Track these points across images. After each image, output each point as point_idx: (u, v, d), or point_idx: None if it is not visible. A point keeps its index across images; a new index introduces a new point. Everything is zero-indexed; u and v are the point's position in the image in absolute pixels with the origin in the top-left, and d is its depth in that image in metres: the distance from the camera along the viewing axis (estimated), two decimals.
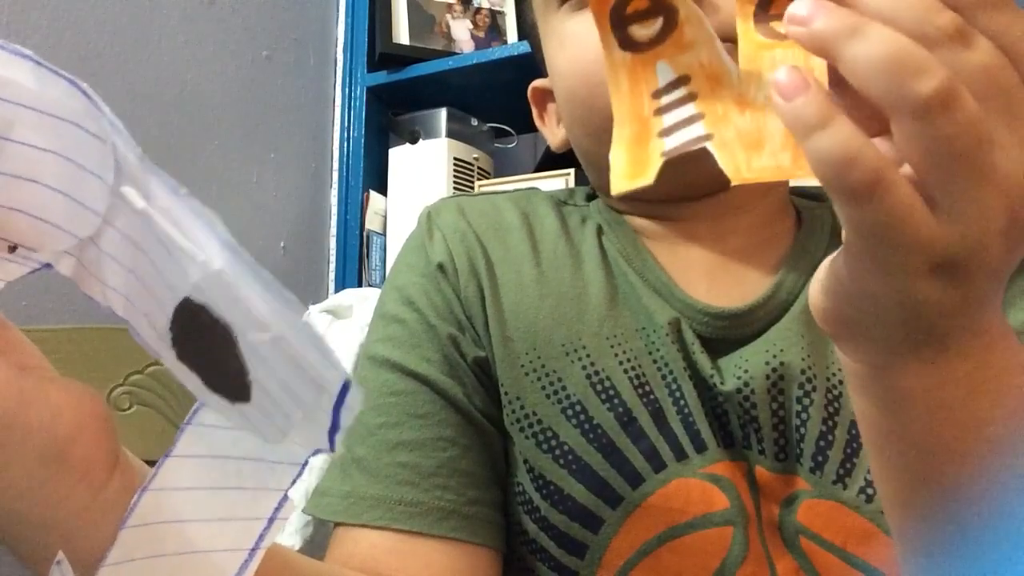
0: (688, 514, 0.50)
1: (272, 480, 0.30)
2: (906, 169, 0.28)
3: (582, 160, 0.62)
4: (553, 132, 0.65)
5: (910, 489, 0.34)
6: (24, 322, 0.95)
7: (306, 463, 0.29)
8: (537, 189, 0.66)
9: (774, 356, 0.52)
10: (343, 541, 0.52)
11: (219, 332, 0.26)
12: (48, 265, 0.29)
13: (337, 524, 0.53)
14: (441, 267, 0.58)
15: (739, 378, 0.52)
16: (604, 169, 0.60)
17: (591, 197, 0.65)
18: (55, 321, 0.94)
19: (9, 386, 0.26)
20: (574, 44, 0.55)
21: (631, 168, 0.30)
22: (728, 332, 0.54)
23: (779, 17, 0.28)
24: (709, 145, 0.29)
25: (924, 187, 0.27)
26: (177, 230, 0.26)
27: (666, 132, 0.30)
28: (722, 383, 0.52)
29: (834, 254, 0.31)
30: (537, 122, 0.68)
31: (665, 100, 0.30)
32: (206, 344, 0.26)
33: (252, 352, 0.25)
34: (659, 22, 0.29)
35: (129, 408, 0.87)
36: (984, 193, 0.26)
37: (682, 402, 0.53)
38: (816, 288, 0.32)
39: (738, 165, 0.29)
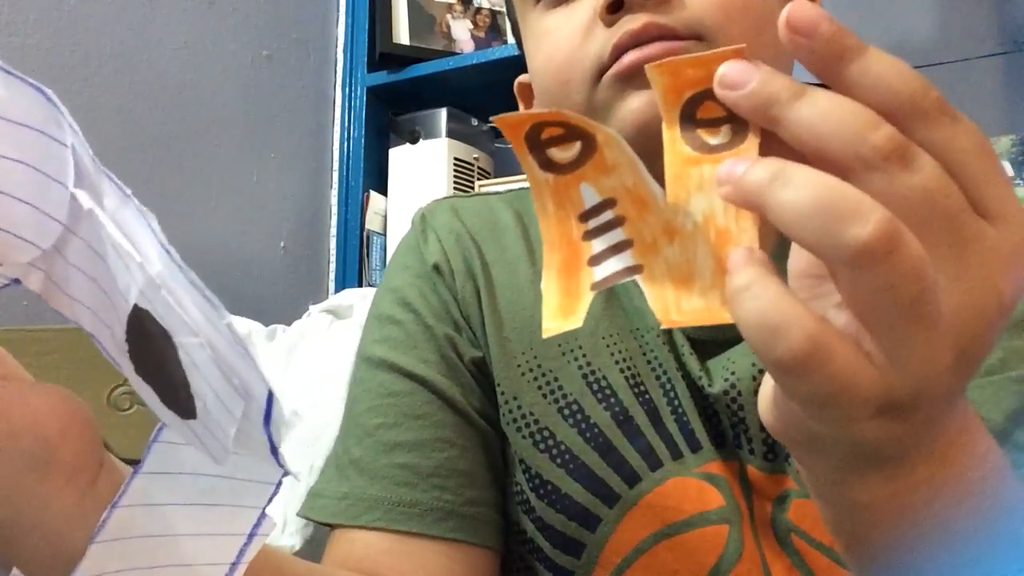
0: (684, 512, 0.50)
1: (247, 498, 0.29)
2: (845, 313, 0.25)
3: None
4: None
5: None
6: (24, 322, 0.95)
7: (280, 482, 0.29)
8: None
9: None
10: (340, 542, 0.52)
11: (163, 340, 0.25)
12: (16, 281, 0.29)
13: (334, 526, 0.52)
14: (437, 268, 0.58)
15: (726, 380, 0.52)
16: None
17: None
18: (55, 321, 0.94)
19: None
20: (548, 43, 0.54)
21: (562, 305, 0.29)
22: (715, 334, 0.54)
23: (707, 123, 0.27)
24: (639, 279, 0.28)
25: (866, 335, 0.25)
26: (122, 233, 0.25)
27: (595, 260, 0.28)
28: (710, 385, 0.52)
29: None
30: None
31: (592, 224, 0.28)
32: (154, 354, 0.26)
33: (189, 361, 0.25)
34: (577, 145, 0.28)
35: (129, 408, 0.87)
36: (930, 339, 0.24)
37: (676, 402, 0.53)
38: (763, 406, 0.29)
39: (667, 306, 0.27)
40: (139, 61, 1.19)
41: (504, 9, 1.58)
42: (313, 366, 1.11)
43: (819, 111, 0.24)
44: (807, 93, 0.25)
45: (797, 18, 0.25)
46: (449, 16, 1.55)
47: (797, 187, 0.23)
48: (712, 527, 0.50)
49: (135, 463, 0.30)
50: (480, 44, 1.54)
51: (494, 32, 1.56)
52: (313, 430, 1.05)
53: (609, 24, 0.48)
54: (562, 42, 0.52)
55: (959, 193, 0.24)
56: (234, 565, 0.30)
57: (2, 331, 0.84)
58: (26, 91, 0.26)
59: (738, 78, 0.25)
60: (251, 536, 0.30)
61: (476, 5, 1.57)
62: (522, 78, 0.66)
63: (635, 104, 0.48)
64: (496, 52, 1.45)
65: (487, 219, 0.60)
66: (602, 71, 0.49)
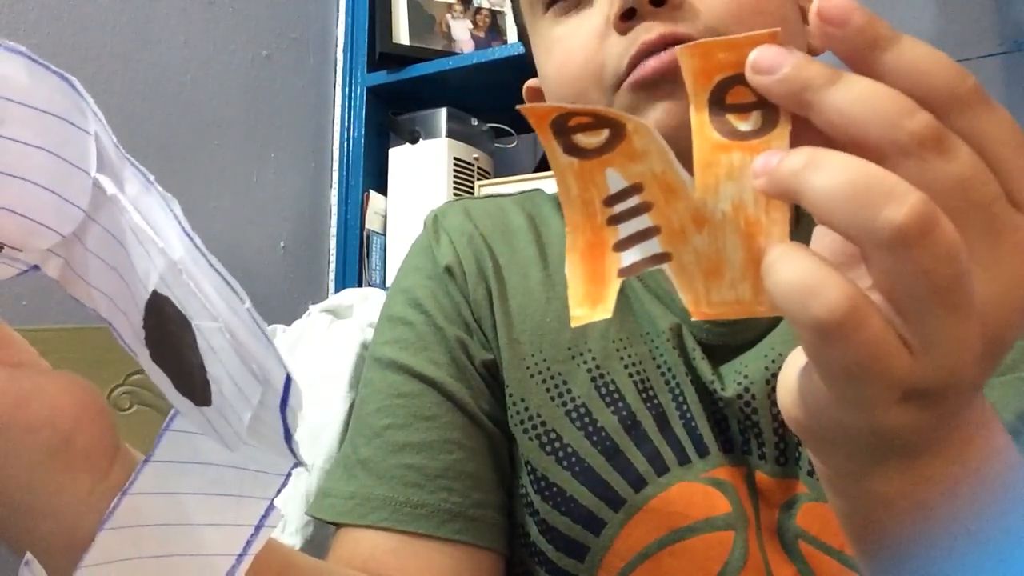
0: (690, 518, 0.50)
1: (256, 488, 0.30)
2: (877, 296, 0.25)
3: None
4: None
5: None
6: (24, 322, 0.95)
7: (289, 474, 0.29)
8: (540, 190, 0.66)
9: (773, 361, 0.52)
10: (345, 542, 0.52)
11: (181, 326, 0.26)
12: (35, 267, 0.29)
13: (341, 525, 0.52)
14: (449, 270, 0.58)
15: (739, 384, 0.52)
16: None
17: None
18: (55, 321, 0.94)
19: (5, 387, 0.27)
20: (560, 51, 0.54)
21: (589, 292, 0.28)
22: (728, 338, 0.54)
23: (737, 109, 0.26)
24: (667, 268, 0.27)
25: (898, 319, 0.25)
26: (143, 219, 0.26)
27: (621, 245, 0.28)
28: (723, 389, 0.52)
29: (803, 363, 0.29)
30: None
31: (618, 208, 0.28)
32: (172, 340, 0.26)
33: (207, 346, 0.25)
34: (605, 133, 0.27)
35: (129, 408, 0.87)
36: (962, 327, 0.24)
37: (685, 407, 0.53)
38: (786, 397, 0.30)
39: (698, 297, 0.27)
40: (139, 61, 1.19)
41: (504, 9, 1.58)
42: (313, 366, 1.11)
43: (854, 96, 0.24)
44: (842, 78, 0.24)
45: (829, 9, 0.25)
46: (449, 16, 1.55)
47: (831, 171, 0.23)
48: (717, 533, 0.50)
49: None
50: (480, 44, 1.54)
51: (494, 32, 1.56)
52: (313, 430, 1.05)
53: (623, 32, 0.48)
54: (575, 51, 0.52)
55: (995, 183, 0.24)
56: (241, 556, 0.30)
57: None
58: (50, 79, 0.26)
59: (772, 63, 0.25)
60: (258, 527, 0.30)
61: (476, 5, 1.57)
62: (531, 82, 0.66)
63: (655, 116, 0.48)
64: (496, 52, 1.45)
65: (499, 221, 0.61)
66: (619, 80, 0.49)
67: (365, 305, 1.19)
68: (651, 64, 0.47)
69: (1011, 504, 0.30)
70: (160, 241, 0.25)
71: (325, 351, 1.13)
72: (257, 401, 0.25)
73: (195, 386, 0.27)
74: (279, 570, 0.39)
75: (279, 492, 0.30)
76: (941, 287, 0.23)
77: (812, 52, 0.57)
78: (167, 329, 0.26)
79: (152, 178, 0.26)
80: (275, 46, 1.47)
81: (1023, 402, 0.47)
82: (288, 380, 0.24)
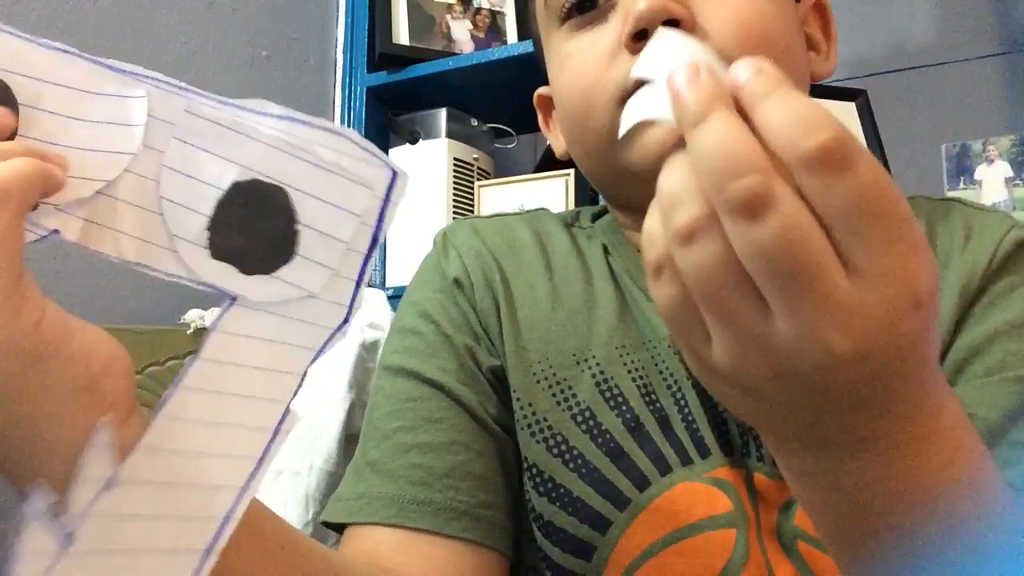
0: (693, 516, 0.51)
1: (303, 338, 0.33)
2: None
3: (583, 172, 0.64)
4: (557, 139, 0.67)
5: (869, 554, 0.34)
6: None
7: (340, 328, 0.33)
8: (546, 210, 0.69)
9: None
10: (350, 539, 0.52)
11: (270, 197, 0.31)
12: (55, 231, 0.31)
13: (348, 525, 0.53)
14: (457, 282, 0.60)
15: None
16: (602, 184, 0.62)
17: (596, 217, 0.67)
18: None
19: (56, 320, 0.29)
20: (571, 66, 0.56)
21: None
22: None
23: None
24: None
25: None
26: (228, 116, 0.31)
27: None
28: None
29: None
30: (542, 128, 0.70)
31: None
32: (254, 216, 0.31)
33: (304, 196, 0.31)
34: None
35: None
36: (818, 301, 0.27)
37: (686, 410, 0.54)
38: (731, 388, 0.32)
39: None
40: (139, 61, 1.18)
41: (504, 10, 1.58)
42: (312, 366, 1.11)
43: (699, 147, 0.27)
44: (704, 123, 0.27)
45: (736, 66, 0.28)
46: (449, 16, 1.55)
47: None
48: (720, 531, 0.50)
49: None
50: (480, 45, 1.54)
51: (494, 33, 1.56)
52: (313, 430, 1.05)
53: (634, 52, 0.51)
54: (586, 67, 0.54)
55: (812, 249, 0.26)
56: (261, 460, 0.32)
57: None
58: (80, 64, 0.32)
59: (679, 88, 0.28)
60: (275, 432, 0.33)
61: (476, 6, 1.57)
62: (542, 90, 0.68)
63: (658, 134, 0.50)
64: (496, 53, 1.45)
65: (506, 237, 0.63)
66: (625, 96, 0.51)
67: (364, 305, 1.19)
68: None
69: (986, 508, 0.31)
70: (252, 128, 0.31)
71: None
72: (361, 208, 0.31)
73: (274, 249, 0.31)
74: (283, 543, 0.40)
75: (324, 348, 0.33)
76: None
77: (815, 78, 0.58)
78: (248, 210, 0.31)
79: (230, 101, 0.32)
80: (275, 46, 1.47)
81: (1010, 401, 0.48)
82: (393, 176, 0.31)
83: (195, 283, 0.31)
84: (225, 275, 0.31)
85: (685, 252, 0.27)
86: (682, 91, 0.27)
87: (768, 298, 0.27)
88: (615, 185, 0.59)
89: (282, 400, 0.33)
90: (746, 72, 0.27)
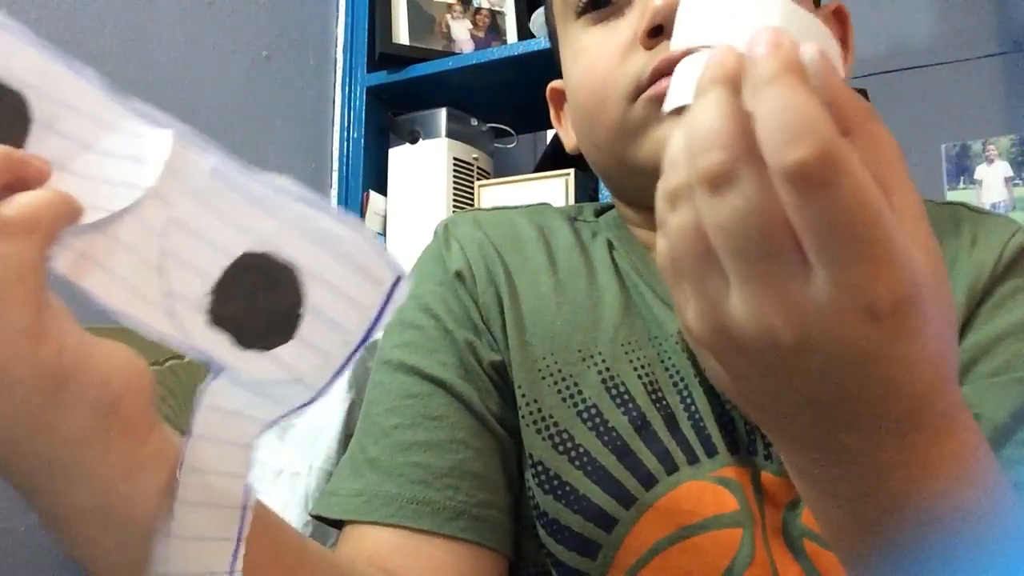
0: (699, 515, 0.51)
1: (237, 434, 0.32)
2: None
3: (592, 167, 0.64)
4: (568, 133, 0.67)
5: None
6: None
7: (282, 417, 0.33)
8: (549, 204, 0.68)
9: None
10: (349, 538, 0.52)
11: (280, 274, 0.31)
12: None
13: (346, 522, 0.53)
14: (459, 275, 0.59)
15: None
16: (611, 179, 0.61)
17: (599, 213, 0.67)
18: None
19: (77, 347, 0.29)
20: (586, 59, 0.56)
21: None
22: None
23: None
24: None
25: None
26: (252, 186, 0.31)
27: None
28: None
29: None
30: (554, 121, 0.70)
31: None
32: (260, 290, 0.31)
33: (313, 280, 0.31)
34: None
35: None
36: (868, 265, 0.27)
37: (693, 408, 0.53)
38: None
39: None
40: (139, 61, 1.19)
41: (503, 9, 1.58)
42: None
43: (689, 118, 0.28)
44: (699, 99, 0.27)
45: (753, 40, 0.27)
46: (449, 16, 1.55)
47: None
48: (726, 530, 0.50)
49: None
50: (480, 44, 1.54)
51: (494, 32, 1.56)
52: (312, 430, 1.05)
53: (649, 48, 0.52)
54: (600, 60, 0.55)
55: (770, 238, 0.26)
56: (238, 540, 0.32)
57: None
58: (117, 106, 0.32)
59: (710, 62, 0.28)
60: (244, 507, 0.33)
61: (476, 5, 1.57)
62: (555, 84, 0.69)
63: (669, 130, 0.50)
64: (496, 52, 1.45)
65: (508, 231, 0.62)
66: (638, 91, 0.52)
67: None
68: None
69: (982, 534, 0.31)
70: (270, 204, 0.31)
71: None
72: (367, 302, 0.31)
73: (275, 327, 0.31)
74: (297, 550, 0.41)
75: (273, 423, 0.33)
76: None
77: None
78: (255, 284, 0.31)
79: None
80: (275, 47, 1.47)
81: (1016, 402, 0.48)
82: (399, 278, 0.31)
83: (184, 346, 0.31)
84: (218, 344, 0.31)
85: (712, 201, 0.27)
86: (701, 75, 0.28)
87: (727, 273, 0.27)
88: (623, 180, 0.59)
89: (242, 475, 0.33)
90: (761, 47, 0.27)
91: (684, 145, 0.28)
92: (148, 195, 0.30)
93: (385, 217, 1.54)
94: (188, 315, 0.30)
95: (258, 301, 0.31)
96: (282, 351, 0.31)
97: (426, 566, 0.50)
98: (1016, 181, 1.42)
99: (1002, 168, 1.43)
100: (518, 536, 0.56)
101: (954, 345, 0.31)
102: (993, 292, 0.53)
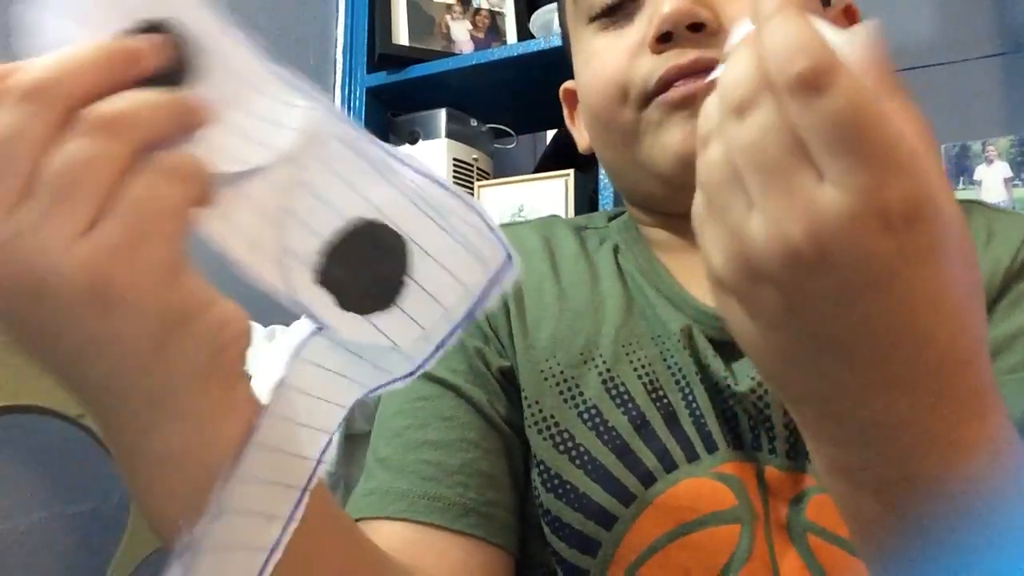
0: (697, 512, 0.51)
1: (340, 395, 0.34)
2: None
3: (603, 166, 0.65)
4: (581, 134, 0.69)
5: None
6: None
7: (387, 385, 0.34)
8: (558, 216, 0.71)
9: None
10: None
11: (390, 243, 0.32)
12: None
13: (358, 520, 0.54)
14: None
15: (753, 379, 0.53)
16: (621, 179, 0.63)
17: (612, 218, 0.69)
18: None
19: (202, 291, 0.31)
20: (596, 63, 0.58)
21: None
22: None
23: None
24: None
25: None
26: (376, 155, 0.32)
27: None
28: (736, 384, 0.54)
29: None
30: (567, 122, 0.72)
31: None
32: (368, 256, 0.32)
33: (427, 250, 0.32)
34: None
35: None
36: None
37: (694, 405, 0.54)
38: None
39: None
40: None
41: (503, 10, 1.58)
42: None
43: (722, 76, 0.30)
44: (728, 61, 0.30)
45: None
46: (448, 17, 1.55)
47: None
48: (724, 527, 0.51)
49: None
50: (479, 45, 1.54)
51: (493, 33, 1.56)
52: None
53: (657, 53, 0.54)
54: (609, 64, 0.57)
55: (785, 151, 0.28)
56: (304, 489, 0.33)
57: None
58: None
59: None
60: (318, 461, 0.34)
61: (475, 6, 1.57)
62: (568, 84, 0.71)
63: (679, 135, 0.53)
64: (495, 53, 1.45)
65: (514, 245, 0.63)
66: (645, 95, 0.54)
67: None
68: (684, 88, 0.52)
69: (1014, 495, 0.31)
70: (388, 177, 0.31)
71: None
72: (471, 281, 0.32)
73: (376, 294, 0.32)
74: (347, 528, 0.43)
75: (377, 390, 0.34)
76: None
77: None
78: (367, 250, 0.32)
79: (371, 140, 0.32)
80: (275, 46, 1.46)
81: None
82: (507, 260, 0.32)
83: (287, 300, 0.32)
84: (320, 303, 0.32)
85: (736, 125, 0.29)
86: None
87: (750, 194, 0.29)
88: (634, 181, 0.61)
89: (328, 431, 0.34)
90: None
91: (716, 96, 0.30)
92: (282, 158, 0.31)
93: None
94: (297, 271, 0.32)
95: (364, 266, 0.32)
96: (380, 318, 0.32)
97: (437, 560, 0.51)
98: (1015, 182, 1.42)
99: (1001, 169, 1.43)
100: (524, 536, 0.57)
101: (978, 304, 0.31)
102: (1009, 289, 0.53)
